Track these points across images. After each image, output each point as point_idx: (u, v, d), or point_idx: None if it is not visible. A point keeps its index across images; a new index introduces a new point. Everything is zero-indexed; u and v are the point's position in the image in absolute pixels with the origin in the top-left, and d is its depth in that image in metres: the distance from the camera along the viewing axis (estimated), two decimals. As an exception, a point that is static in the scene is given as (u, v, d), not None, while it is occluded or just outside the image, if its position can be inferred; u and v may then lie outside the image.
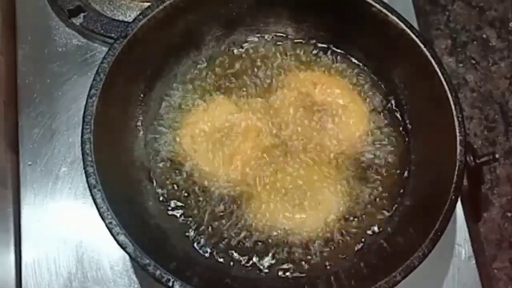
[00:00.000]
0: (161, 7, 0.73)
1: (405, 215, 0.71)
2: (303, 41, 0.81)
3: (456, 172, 0.67)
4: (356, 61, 0.79)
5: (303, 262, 0.70)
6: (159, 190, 0.73)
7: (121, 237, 0.62)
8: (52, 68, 0.85)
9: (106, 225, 0.63)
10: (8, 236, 0.78)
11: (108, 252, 0.76)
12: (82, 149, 0.66)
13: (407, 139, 0.76)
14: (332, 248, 0.71)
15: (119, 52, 0.70)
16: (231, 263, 0.70)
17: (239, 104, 0.77)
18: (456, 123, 0.68)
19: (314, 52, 0.80)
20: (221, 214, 0.72)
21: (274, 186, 0.72)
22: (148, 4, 0.75)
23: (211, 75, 0.79)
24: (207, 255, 0.70)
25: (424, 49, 0.72)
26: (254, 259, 0.70)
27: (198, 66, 0.79)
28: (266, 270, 0.69)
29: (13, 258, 0.78)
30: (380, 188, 0.73)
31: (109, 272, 0.76)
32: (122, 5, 0.88)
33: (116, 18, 0.87)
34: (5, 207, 0.79)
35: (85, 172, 0.65)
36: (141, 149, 0.74)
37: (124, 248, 0.62)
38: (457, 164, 0.67)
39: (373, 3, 0.74)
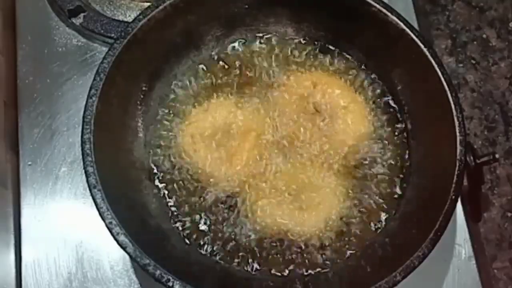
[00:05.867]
0: (161, 7, 0.73)
1: (405, 215, 0.71)
2: (303, 41, 0.80)
3: (456, 172, 0.67)
4: (356, 61, 0.79)
5: (304, 262, 0.70)
6: (159, 190, 0.73)
7: (121, 237, 0.63)
8: (52, 68, 0.85)
9: (106, 225, 0.63)
10: (8, 236, 0.78)
11: (108, 252, 0.76)
12: (82, 149, 0.66)
13: (407, 139, 0.76)
14: (332, 247, 0.71)
15: (119, 52, 0.70)
16: (231, 263, 0.70)
17: (239, 104, 0.77)
18: (456, 123, 0.68)
19: (314, 52, 0.80)
20: (221, 214, 0.72)
21: (274, 186, 0.72)
22: (148, 4, 0.75)
23: (211, 75, 0.79)
24: (207, 255, 0.70)
25: (424, 49, 0.72)
26: (254, 258, 0.70)
27: (198, 66, 0.79)
28: (266, 270, 0.69)
29: (13, 258, 0.78)
30: (380, 188, 0.73)
31: (109, 272, 0.76)
32: (122, 5, 0.88)
33: (116, 18, 0.87)
34: (5, 207, 0.79)
35: (85, 172, 0.65)
36: (141, 149, 0.74)
37: (124, 248, 0.62)
38: (457, 164, 0.67)
39: (373, 3, 0.74)
